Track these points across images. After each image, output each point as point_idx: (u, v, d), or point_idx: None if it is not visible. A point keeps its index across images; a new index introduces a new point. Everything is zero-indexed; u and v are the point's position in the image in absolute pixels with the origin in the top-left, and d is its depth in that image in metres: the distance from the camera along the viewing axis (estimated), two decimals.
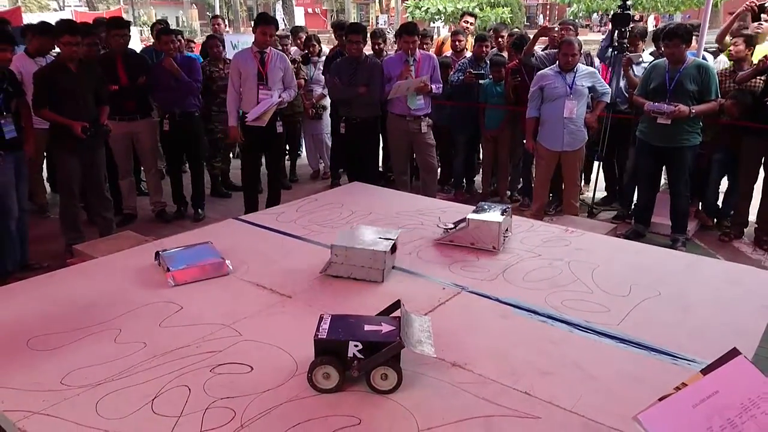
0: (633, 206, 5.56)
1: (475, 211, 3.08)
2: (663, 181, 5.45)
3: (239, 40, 7.98)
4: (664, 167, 5.15)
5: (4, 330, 2.23)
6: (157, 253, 2.76)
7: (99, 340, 2.15)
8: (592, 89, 4.96)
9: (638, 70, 5.37)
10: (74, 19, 5.04)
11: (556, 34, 5.45)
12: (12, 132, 4.00)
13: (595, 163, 5.76)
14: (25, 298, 2.53)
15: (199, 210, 5.68)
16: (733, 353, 1.34)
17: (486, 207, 3.13)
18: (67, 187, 4.52)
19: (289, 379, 1.89)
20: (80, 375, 1.93)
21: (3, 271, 4.01)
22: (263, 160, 5.38)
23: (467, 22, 6.99)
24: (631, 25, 5.37)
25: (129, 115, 5.17)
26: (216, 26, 8.10)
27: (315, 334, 1.85)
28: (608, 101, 5.11)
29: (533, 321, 2.28)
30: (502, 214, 3.00)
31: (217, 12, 16.19)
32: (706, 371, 1.33)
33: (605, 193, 6.12)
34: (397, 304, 2.01)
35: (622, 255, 2.97)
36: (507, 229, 3.07)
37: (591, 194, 5.74)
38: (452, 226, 3.07)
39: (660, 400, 1.29)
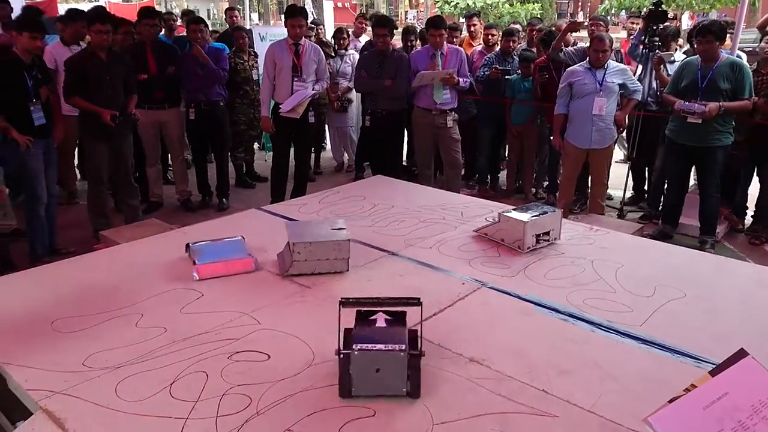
0: (661, 206, 5.46)
1: (517, 209, 3.00)
2: (692, 181, 5.35)
3: (267, 32, 8.01)
4: (693, 167, 5.04)
5: (30, 312, 2.28)
6: (187, 245, 2.76)
7: (121, 324, 2.19)
8: (622, 86, 4.87)
9: (670, 69, 5.26)
10: (106, 9, 5.10)
11: (586, 29, 5.36)
12: (41, 119, 4.07)
13: (624, 163, 5.65)
14: (52, 281, 2.58)
15: (224, 200, 5.73)
16: (741, 354, 1.32)
17: (533, 207, 3.03)
18: (96, 174, 4.60)
19: (305, 368, 1.90)
20: (102, 357, 1.96)
21: (32, 255, 4.10)
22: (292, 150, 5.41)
23: (473, 25, 6.90)
24: (665, 24, 5.26)
25: (157, 104, 5.24)
26: (233, 18, 7.97)
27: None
28: (639, 99, 5.01)
29: (554, 319, 2.25)
30: (539, 215, 2.89)
31: (247, 5, 16.24)
32: (714, 372, 1.31)
33: (632, 193, 6.02)
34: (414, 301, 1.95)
35: (648, 255, 2.91)
36: (548, 232, 2.93)
37: (621, 195, 5.64)
38: (494, 219, 3.04)
39: (670, 401, 1.27)
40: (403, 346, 1.74)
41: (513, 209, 3.03)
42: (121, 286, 2.51)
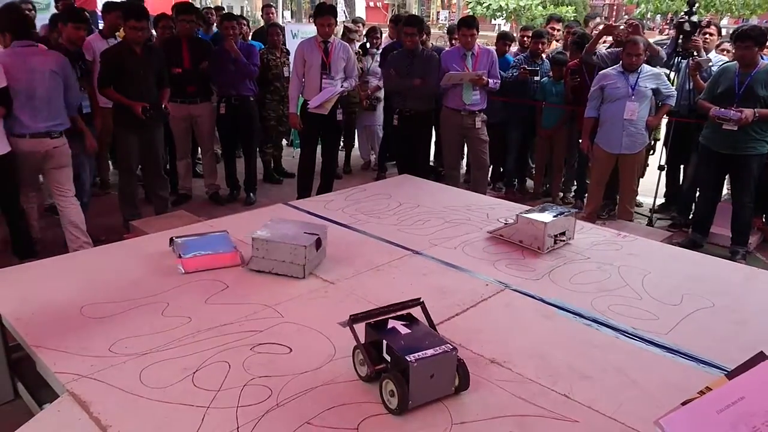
0: (691, 215, 5.35)
1: (532, 210, 3.03)
2: (725, 189, 5.23)
3: (300, 29, 8.09)
4: (727, 175, 4.93)
5: (60, 297, 2.33)
6: (171, 239, 2.79)
7: (147, 312, 2.23)
8: (656, 91, 4.78)
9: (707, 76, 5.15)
10: (144, 5, 5.18)
11: (621, 32, 5.27)
12: (87, 108, 4.18)
13: (657, 170, 5.54)
14: (82, 268, 2.64)
15: (251, 194, 5.79)
16: (761, 357, 1.28)
17: (547, 208, 3.07)
18: (127, 165, 4.69)
19: (326, 363, 1.91)
20: (127, 344, 2.00)
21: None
22: (319, 147, 5.44)
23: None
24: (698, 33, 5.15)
25: (189, 99, 5.31)
26: (269, 15, 8.12)
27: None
28: (673, 105, 4.92)
29: (577, 324, 2.23)
30: (557, 216, 2.92)
31: (280, 3, 16.38)
32: (731, 375, 1.27)
33: (663, 200, 5.91)
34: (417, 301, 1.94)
35: (676, 263, 2.86)
36: (563, 233, 2.95)
37: (651, 201, 5.54)
38: (511, 221, 3.03)
39: (683, 404, 1.23)
40: (450, 346, 1.73)
41: (529, 210, 3.05)
42: (149, 275, 2.56)
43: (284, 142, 7.13)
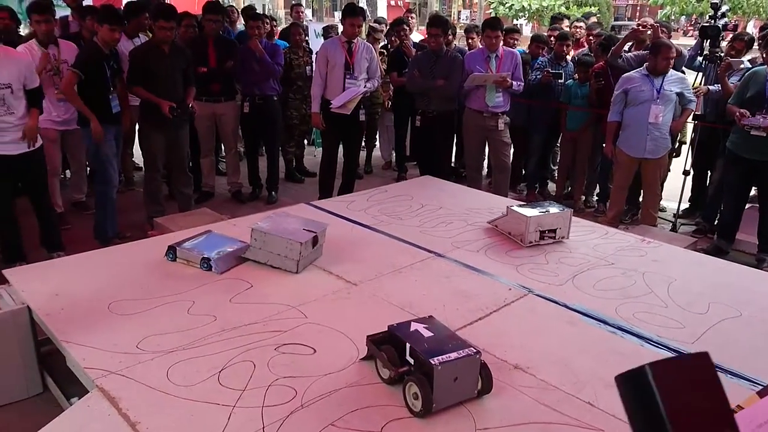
0: (717, 220, 5.27)
1: (527, 205, 3.18)
2: (753, 193, 5.14)
3: (322, 28, 8.11)
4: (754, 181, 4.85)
5: (89, 292, 2.37)
6: (170, 248, 2.71)
7: (173, 310, 2.26)
8: (679, 96, 4.72)
9: (734, 79, 5.07)
10: (173, 5, 5.24)
11: (647, 37, 5.21)
12: (117, 107, 4.25)
13: (681, 174, 5.46)
14: (109, 264, 2.68)
15: (273, 193, 5.82)
16: None
17: (545, 204, 3.18)
18: (152, 162, 4.74)
19: (350, 365, 1.92)
20: (154, 341, 2.03)
21: (103, 236, 4.25)
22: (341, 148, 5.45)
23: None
24: (736, 32, 5.06)
25: (214, 97, 5.35)
26: (298, 14, 8.22)
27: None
28: (693, 109, 4.85)
29: (602, 330, 2.21)
30: (545, 212, 3.01)
31: (303, 1, 16.44)
32: (762, 393, 1.24)
33: (687, 205, 5.83)
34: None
35: (702, 270, 2.83)
36: (554, 230, 3.03)
37: (675, 206, 5.47)
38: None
39: None
40: (473, 349, 1.74)
41: (521, 204, 3.20)
42: (174, 272, 2.59)
43: (305, 141, 7.16)
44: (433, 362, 1.65)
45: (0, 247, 3.85)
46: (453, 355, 1.69)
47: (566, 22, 6.82)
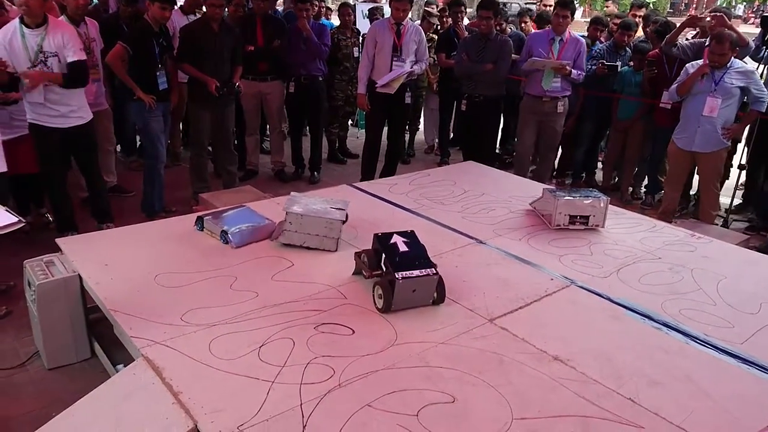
0: None
1: (564, 190, 3.20)
2: None
3: (368, 9, 8.05)
4: None
5: (136, 264, 2.44)
6: (198, 218, 2.83)
7: (217, 285, 2.30)
8: (745, 90, 4.43)
9: None
10: None
11: (706, 24, 4.98)
12: (164, 83, 4.33)
13: (736, 169, 5.25)
14: (155, 238, 2.75)
15: (315, 173, 5.86)
16: None
17: (583, 191, 3.19)
18: (198, 139, 4.82)
19: (388, 347, 1.93)
20: (198, 314, 2.08)
21: (150, 210, 4.36)
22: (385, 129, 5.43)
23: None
24: None
25: (261, 76, 5.39)
26: None
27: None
28: (762, 110, 4.53)
29: (646, 326, 2.16)
30: (578, 197, 3.01)
31: None
32: None
33: (740, 200, 5.62)
34: None
35: (754, 269, 2.72)
36: (586, 217, 3.00)
37: (727, 202, 5.26)
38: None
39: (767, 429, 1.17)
40: (433, 270, 2.13)
41: (559, 189, 3.21)
42: (218, 247, 2.64)
43: (350, 122, 7.16)
44: (397, 276, 2.06)
45: (53, 217, 4.00)
46: (415, 273, 2.09)
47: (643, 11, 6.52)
